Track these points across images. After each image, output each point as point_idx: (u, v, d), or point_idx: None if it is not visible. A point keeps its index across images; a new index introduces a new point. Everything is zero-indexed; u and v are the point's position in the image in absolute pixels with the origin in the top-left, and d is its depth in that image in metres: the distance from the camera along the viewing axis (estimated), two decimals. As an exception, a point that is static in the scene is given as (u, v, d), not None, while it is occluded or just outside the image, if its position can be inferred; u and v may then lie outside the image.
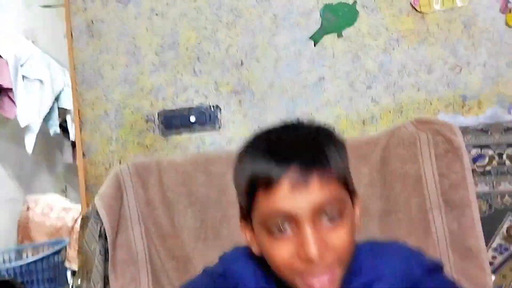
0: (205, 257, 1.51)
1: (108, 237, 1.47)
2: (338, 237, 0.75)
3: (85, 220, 1.55)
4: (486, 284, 1.48)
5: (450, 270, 1.51)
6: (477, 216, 1.50)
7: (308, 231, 0.72)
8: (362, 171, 1.55)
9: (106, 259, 1.49)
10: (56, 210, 3.42)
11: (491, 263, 1.52)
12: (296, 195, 0.72)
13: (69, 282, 3.11)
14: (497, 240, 1.54)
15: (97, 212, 1.49)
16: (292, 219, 0.74)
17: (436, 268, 0.95)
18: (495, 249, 1.54)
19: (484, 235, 1.49)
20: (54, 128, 3.40)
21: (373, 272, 0.86)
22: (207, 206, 1.55)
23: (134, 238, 1.53)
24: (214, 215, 1.55)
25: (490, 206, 1.55)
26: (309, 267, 0.74)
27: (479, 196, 1.54)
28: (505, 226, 1.54)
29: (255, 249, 0.84)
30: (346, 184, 0.79)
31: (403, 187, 1.54)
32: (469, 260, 1.50)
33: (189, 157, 1.61)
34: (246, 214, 0.83)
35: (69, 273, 3.15)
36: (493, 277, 1.51)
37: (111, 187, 1.52)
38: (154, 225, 1.53)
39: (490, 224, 1.53)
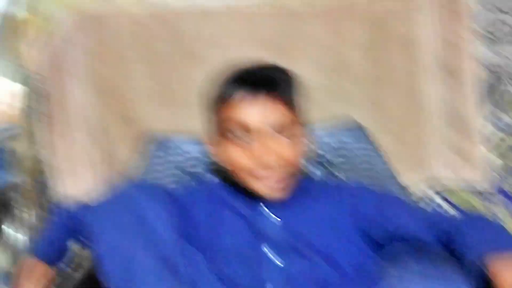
0: (157, 119, 1.30)
1: (43, 91, 1.24)
2: (286, 147, 0.87)
3: (24, 78, 1.29)
4: (474, 155, 1.34)
5: (438, 140, 1.35)
6: (473, 83, 1.32)
7: (258, 135, 0.85)
8: (354, 32, 1.33)
9: (45, 119, 1.26)
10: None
11: (481, 134, 1.35)
12: (248, 108, 0.86)
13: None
14: (492, 110, 1.36)
15: (36, 67, 1.24)
16: (245, 128, 0.86)
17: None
18: (487, 119, 1.36)
19: (477, 103, 1.33)
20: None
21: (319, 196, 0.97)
22: (159, 59, 1.30)
23: (74, 94, 1.29)
24: (169, 72, 1.31)
25: (488, 70, 1.35)
26: (259, 170, 0.86)
27: (477, 60, 1.34)
28: (502, 93, 1.36)
29: (219, 160, 0.95)
30: (295, 112, 0.90)
31: (395, 50, 1.32)
32: (458, 130, 1.34)
33: (150, 9, 1.33)
34: (212, 129, 0.95)
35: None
36: (482, 149, 1.35)
37: (54, 37, 1.25)
38: (98, 80, 1.28)
39: (484, 91, 1.35)
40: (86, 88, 1.29)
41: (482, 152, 1.35)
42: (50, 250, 0.92)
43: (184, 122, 1.30)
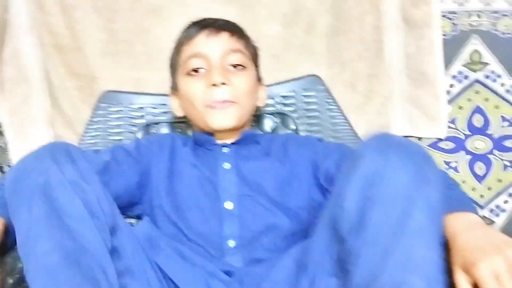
0: (114, 75, 1.25)
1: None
2: (239, 80, 0.95)
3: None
4: (440, 113, 1.31)
5: (402, 97, 1.33)
6: (438, 38, 1.29)
7: (215, 65, 0.94)
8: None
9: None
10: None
11: (447, 92, 1.34)
12: (210, 40, 0.95)
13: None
14: (458, 66, 1.34)
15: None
16: (206, 58, 0.95)
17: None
18: (453, 77, 1.35)
19: (444, 60, 1.30)
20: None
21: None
22: (117, 14, 1.24)
23: (25, 50, 1.23)
24: (126, 26, 1.25)
25: (454, 26, 1.33)
26: (214, 93, 0.92)
27: (444, 14, 1.31)
28: (469, 50, 1.34)
29: (179, 113, 1.03)
30: (251, 60, 1.00)
31: (357, 1, 1.29)
32: (423, 88, 1.31)
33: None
34: (174, 80, 1.03)
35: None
36: (448, 107, 1.34)
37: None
38: (50, 35, 1.22)
39: (451, 48, 1.33)
40: (33, 41, 1.23)
41: (447, 110, 1.33)
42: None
43: (145, 81, 1.27)
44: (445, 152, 1.37)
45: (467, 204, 0.74)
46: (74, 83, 1.24)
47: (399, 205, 0.60)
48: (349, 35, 1.30)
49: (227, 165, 0.94)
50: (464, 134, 1.37)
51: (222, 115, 0.93)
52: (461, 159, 1.38)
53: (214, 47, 0.95)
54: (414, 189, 0.60)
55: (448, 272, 0.64)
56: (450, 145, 1.36)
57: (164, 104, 1.14)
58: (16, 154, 1.24)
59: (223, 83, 0.91)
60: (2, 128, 1.24)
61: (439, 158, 1.36)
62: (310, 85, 1.14)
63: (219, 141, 0.97)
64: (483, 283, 0.58)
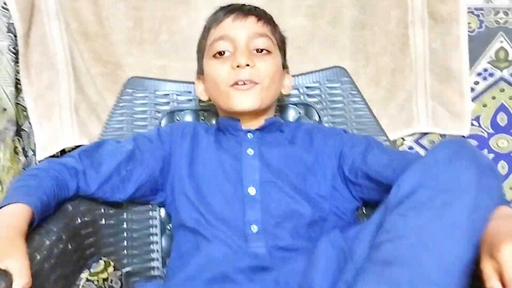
0: (139, 63, 1.26)
1: (18, 32, 1.17)
2: (263, 64, 0.96)
3: (-7, 14, 1.24)
4: (463, 111, 1.30)
5: (426, 93, 1.32)
6: (464, 34, 1.28)
7: (241, 47, 0.95)
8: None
9: (17, 60, 1.21)
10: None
11: (472, 89, 1.33)
12: (236, 24, 0.97)
13: None
14: (483, 64, 1.33)
15: (5, 2, 1.19)
16: (232, 41, 0.96)
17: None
18: (478, 74, 1.34)
19: (469, 57, 1.29)
20: None
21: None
22: (144, 2, 1.25)
23: (52, 35, 1.24)
24: (152, 15, 1.25)
25: (481, 23, 1.32)
26: (237, 74, 0.93)
27: (470, 10, 1.30)
28: (495, 47, 1.33)
29: (203, 97, 1.05)
30: (277, 47, 1.02)
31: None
32: (447, 84, 1.30)
33: None
34: (200, 64, 1.05)
35: None
36: (472, 105, 1.32)
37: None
38: (77, 21, 1.23)
39: (477, 45, 1.32)
40: (61, 26, 1.24)
41: (471, 107, 1.32)
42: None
43: (170, 69, 1.27)
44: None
45: (502, 198, 0.71)
46: (99, 69, 1.25)
47: (446, 194, 0.59)
48: (374, 29, 1.29)
49: (250, 151, 0.95)
50: (487, 132, 1.36)
51: (245, 97, 0.93)
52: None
53: (240, 31, 0.96)
54: (465, 188, 0.59)
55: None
56: (473, 143, 1.35)
57: (189, 92, 1.14)
58: (40, 138, 1.25)
59: (247, 65, 0.92)
60: (26, 113, 1.25)
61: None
62: (335, 77, 1.14)
63: (244, 127, 0.98)
64: (503, 267, 0.55)
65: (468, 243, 0.57)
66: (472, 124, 1.33)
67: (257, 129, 0.99)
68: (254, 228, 0.86)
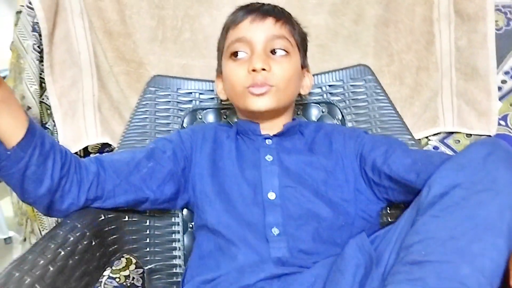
0: (161, 62, 1.26)
1: (42, 30, 1.18)
2: (280, 67, 0.94)
3: (18, 14, 1.26)
4: (490, 110, 1.27)
5: (451, 92, 1.29)
6: (491, 31, 1.25)
7: (257, 50, 0.94)
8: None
9: (42, 59, 1.22)
10: None
11: (499, 88, 1.29)
12: (254, 26, 0.95)
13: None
14: (510, 62, 1.30)
15: (30, 1, 1.20)
16: (249, 43, 0.95)
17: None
18: (506, 73, 1.31)
19: (496, 55, 1.26)
20: None
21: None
22: (167, 1, 1.25)
23: (75, 34, 1.25)
24: (174, 14, 1.26)
25: (508, 21, 1.29)
26: (253, 78, 0.92)
27: (498, 8, 1.28)
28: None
29: (222, 96, 1.04)
30: (296, 47, 0.99)
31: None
32: (474, 82, 1.27)
33: None
34: (220, 63, 1.04)
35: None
36: (499, 104, 1.30)
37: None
38: (100, 20, 1.23)
39: (505, 43, 1.29)
40: (85, 25, 1.25)
41: (498, 107, 1.29)
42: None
43: (191, 68, 1.27)
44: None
45: None
46: (122, 68, 1.26)
47: (480, 194, 0.58)
48: (399, 26, 1.27)
49: (269, 157, 0.94)
50: (515, 132, 1.33)
51: (261, 99, 0.92)
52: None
53: (258, 32, 0.94)
54: (501, 188, 0.59)
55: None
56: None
57: (211, 90, 1.14)
58: (63, 136, 1.26)
59: (263, 69, 0.91)
60: (50, 111, 1.26)
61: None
62: (359, 75, 1.12)
63: (262, 132, 0.98)
64: None
65: (503, 244, 0.56)
66: (499, 124, 1.30)
67: (275, 135, 0.98)
68: (275, 231, 0.85)
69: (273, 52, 0.94)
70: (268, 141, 0.97)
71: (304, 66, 1.03)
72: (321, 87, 1.13)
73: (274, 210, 0.87)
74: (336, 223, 0.87)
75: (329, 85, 1.13)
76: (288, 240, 0.84)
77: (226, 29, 1.00)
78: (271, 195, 0.89)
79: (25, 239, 1.41)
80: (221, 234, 0.87)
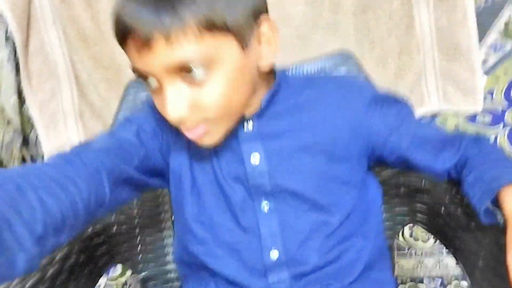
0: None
1: (16, 41, 1.16)
2: (207, 94, 0.63)
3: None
4: (476, 86, 1.27)
5: (435, 73, 1.28)
6: (470, 8, 1.24)
7: (165, 90, 0.63)
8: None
9: (19, 70, 1.21)
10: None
11: (483, 63, 1.29)
12: (143, 58, 0.61)
13: None
14: (492, 36, 1.29)
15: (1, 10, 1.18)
16: (144, 77, 0.65)
17: (391, 99, 0.80)
18: (489, 47, 1.30)
19: (478, 31, 1.25)
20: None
21: (297, 100, 0.76)
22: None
23: (50, 44, 1.23)
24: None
25: (489, -2, 1.28)
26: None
27: (475, -16, 1.27)
28: (504, 19, 1.28)
29: None
30: (219, 28, 0.61)
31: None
32: (457, 61, 1.27)
33: None
34: None
35: None
36: (484, 79, 1.29)
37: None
38: (74, 28, 1.22)
39: (485, 19, 1.28)
40: (59, 35, 1.23)
41: (484, 83, 1.29)
42: None
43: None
44: (483, 125, 1.32)
45: None
46: (100, 75, 1.24)
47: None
48: (377, 12, 1.26)
49: (255, 155, 0.74)
50: (502, 106, 1.32)
51: (202, 140, 0.68)
52: (500, 132, 1.33)
53: (151, 66, 0.61)
54: None
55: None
56: (487, 118, 1.32)
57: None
58: (47, 147, 1.24)
59: (168, 110, 0.63)
60: (31, 122, 1.24)
61: (477, 131, 1.31)
62: (341, 62, 1.11)
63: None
64: None
65: None
66: (486, 99, 1.30)
67: (254, 116, 0.73)
68: (274, 254, 0.72)
69: (186, 79, 0.62)
70: (247, 126, 0.74)
71: (247, 42, 0.64)
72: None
73: (270, 224, 0.74)
74: (341, 226, 0.74)
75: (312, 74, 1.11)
76: (290, 265, 0.73)
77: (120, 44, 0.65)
78: (265, 206, 0.74)
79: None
80: (202, 262, 0.76)
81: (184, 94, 0.63)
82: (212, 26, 0.60)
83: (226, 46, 0.62)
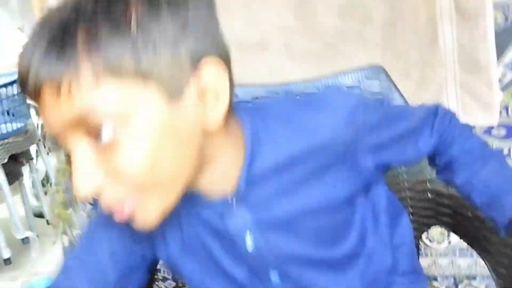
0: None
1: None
2: (123, 157, 0.48)
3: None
4: (492, 101, 1.35)
5: (455, 85, 1.37)
6: (490, 27, 1.33)
7: (72, 157, 0.50)
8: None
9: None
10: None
11: (500, 80, 1.38)
12: (41, 111, 0.49)
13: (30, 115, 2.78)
14: (509, 55, 1.38)
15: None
16: (56, 136, 0.52)
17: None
18: (506, 65, 1.39)
19: (496, 50, 1.34)
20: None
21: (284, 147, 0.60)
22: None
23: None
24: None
25: (506, 18, 1.37)
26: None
27: (496, 6, 1.35)
28: (521, 40, 1.38)
29: None
30: (129, 74, 0.47)
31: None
32: (476, 75, 1.35)
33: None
34: None
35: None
36: (500, 95, 1.38)
37: None
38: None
39: (504, 38, 1.37)
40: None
41: (500, 99, 1.37)
42: None
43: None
44: (498, 138, 1.42)
45: None
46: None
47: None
48: (405, 26, 1.34)
49: (247, 242, 0.63)
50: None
51: (133, 224, 0.54)
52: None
53: (49, 122, 0.50)
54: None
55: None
56: (502, 132, 1.41)
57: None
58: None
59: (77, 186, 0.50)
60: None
61: (492, 144, 1.41)
62: (373, 75, 1.18)
63: (212, 197, 0.61)
64: None
65: None
66: (501, 113, 1.39)
67: (234, 196, 0.60)
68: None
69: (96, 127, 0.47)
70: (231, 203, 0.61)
71: (175, 93, 0.49)
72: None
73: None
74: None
75: (347, 87, 1.18)
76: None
77: None
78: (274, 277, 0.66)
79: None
80: None
81: (94, 160, 0.49)
82: (117, 71, 0.46)
83: (143, 96, 0.48)
